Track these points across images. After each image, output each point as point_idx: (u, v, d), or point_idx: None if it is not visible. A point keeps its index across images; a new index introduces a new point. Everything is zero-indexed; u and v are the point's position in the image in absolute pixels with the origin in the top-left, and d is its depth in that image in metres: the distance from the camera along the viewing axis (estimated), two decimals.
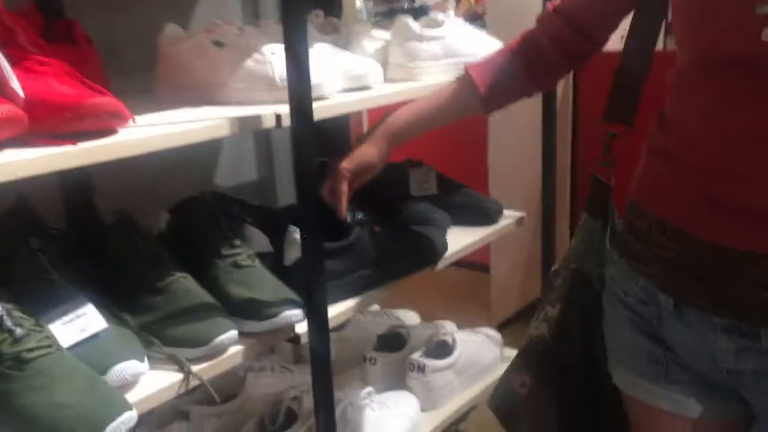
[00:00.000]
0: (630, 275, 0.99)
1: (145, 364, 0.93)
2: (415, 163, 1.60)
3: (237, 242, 1.11)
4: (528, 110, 1.78)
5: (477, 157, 2.65)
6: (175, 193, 1.22)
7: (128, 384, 0.91)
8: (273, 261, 1.18)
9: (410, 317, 1.79)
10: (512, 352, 1.71)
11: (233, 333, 1.00)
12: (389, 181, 1.48)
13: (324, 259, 1.06)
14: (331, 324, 1.10)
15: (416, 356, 1.49)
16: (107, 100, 0.84)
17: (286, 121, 1.01)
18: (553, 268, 1.18)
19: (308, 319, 1.06)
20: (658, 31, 1.03)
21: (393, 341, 1.57)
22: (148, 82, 1.21)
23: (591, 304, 1.08)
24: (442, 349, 1.55)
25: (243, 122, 1.00)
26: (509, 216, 1.59)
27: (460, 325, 1.75)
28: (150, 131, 0.90)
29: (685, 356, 0.96)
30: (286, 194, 1.74)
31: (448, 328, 1.67)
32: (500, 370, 1.63)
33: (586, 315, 1.08)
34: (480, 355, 1.59)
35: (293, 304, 1.06)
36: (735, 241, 0.85)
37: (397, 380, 1.51)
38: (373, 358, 1.51)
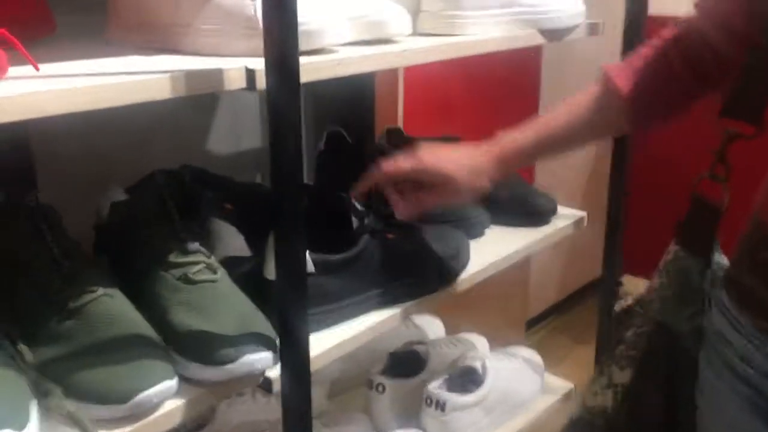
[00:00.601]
0: (753, 336, 0.69)
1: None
2: (452, 140, 1.27)
3: (192, 246, 0.79)
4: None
5: None
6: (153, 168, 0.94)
7: None
8: (252, 270, 0.88)
9: (433, 327, 1.47)
10: (556, 381, 1.41)
11: (168, 384, 0.69)
12: None
13: (307, 277, 0.74)
14: (315, 367, 0.79)
15: (434, 387, 1.18)
16: None
17: (262, 82, 0.70)
18: (619, 307, 0.88)
19: (282, 362, 0.75)
20: None
21: (408, 362, 1.26)
22: None
23: (679, 367, 0.78)
24: (468, 377, 1.23)
25: (196, 80, 0.68)
26: (565, 215, 1.27)
27: (492, 334, 1.44)
28: (44, 86, 0.59)
29: None
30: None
31: (479, 347, 1.35)
32: (541, 406, 1.32)
33: (669, 382, 0.79)
34: (516, 387, 1.27)
35: (262, 342, 0.74)
36: None
37: (410, 414, 1.20)
38: (381, 385, 1.20)
